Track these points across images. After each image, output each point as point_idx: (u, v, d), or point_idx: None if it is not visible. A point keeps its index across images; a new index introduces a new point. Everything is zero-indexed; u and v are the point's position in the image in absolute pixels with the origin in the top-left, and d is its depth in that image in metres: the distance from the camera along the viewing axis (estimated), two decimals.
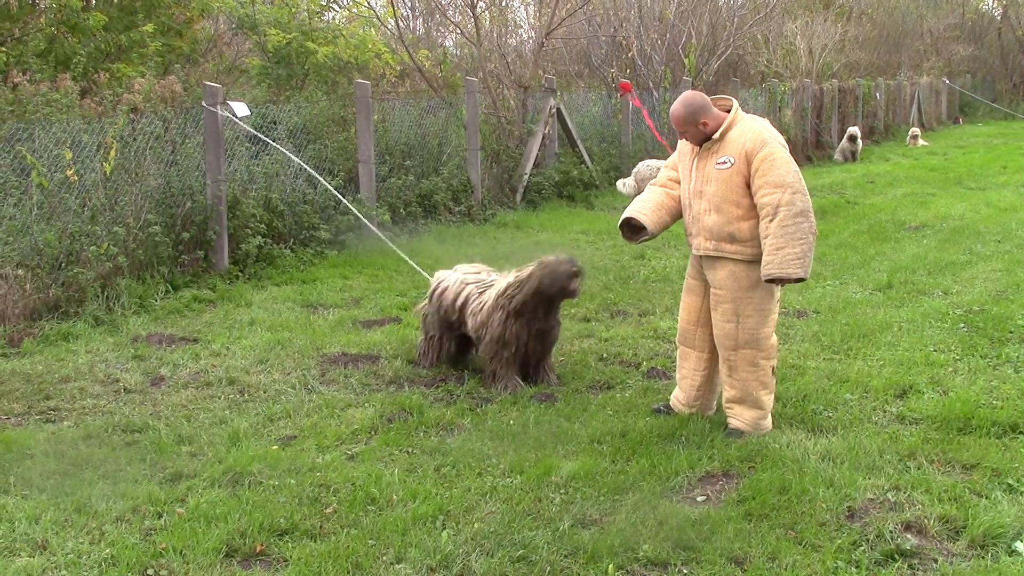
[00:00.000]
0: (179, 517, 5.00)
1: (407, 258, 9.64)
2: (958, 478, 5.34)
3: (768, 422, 6.11)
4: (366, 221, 10.94)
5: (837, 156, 24.15)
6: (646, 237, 6.32)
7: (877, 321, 8.53)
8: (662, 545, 4.65)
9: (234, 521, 4.92)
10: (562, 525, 4.86)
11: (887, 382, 6.88)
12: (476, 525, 4.88)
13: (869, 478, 5.34)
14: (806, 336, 8.20)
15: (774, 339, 6.09)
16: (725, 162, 5.84)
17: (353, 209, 11.00)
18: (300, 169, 12.24)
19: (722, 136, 5.88)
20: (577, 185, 17.03)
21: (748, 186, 5.81)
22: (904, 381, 6.91)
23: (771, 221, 5.68)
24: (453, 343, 7.57)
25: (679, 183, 6.25)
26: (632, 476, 5.42)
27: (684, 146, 6.19)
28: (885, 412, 6.40)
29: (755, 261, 5.85)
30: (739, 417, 6.08)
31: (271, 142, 11.40)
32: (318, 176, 11.28)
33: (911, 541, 4.66)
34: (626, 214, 6.30)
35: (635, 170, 16.10)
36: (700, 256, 6.11)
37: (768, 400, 6.09)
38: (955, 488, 5.17)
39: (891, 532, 4.75)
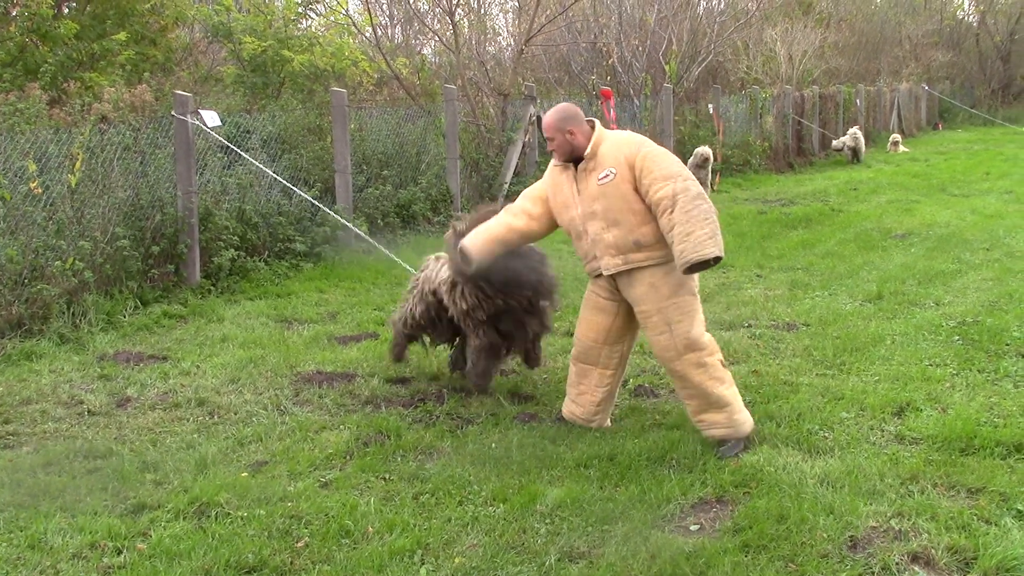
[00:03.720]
0: (140, 553, 4.69)
1: (394, 256, 9.34)
2: (964, 504, 5.07)
3: (743, 417, 5.87)
4: (351, 226, 10.66)
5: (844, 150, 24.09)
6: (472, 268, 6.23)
7: (869, 334, 8.28)
8: None
9: (198, 558, 4.61)
10: (548, 559, 4.57)
11: (883, 399, 6.62)
12: (457, 560, 4.59)
13: (871, 504, 5.06)
14: (797, 351, 7.94)
15: (708, 335, 5.92)
16: (607, 175, 5.77)
17: (334, 215, 10.71)
18: (274, 180, 11.94)
19: (595, 153, 5.83)
20: None
21: (638, 191, 5.72)
22: (901, 398, 6.64)
23: (672, 212, 5.56)
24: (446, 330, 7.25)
25: (534, 216, 6.15)
26: (621, 504, 5.14)
27: (558, 176, 6.08)
28: (883, 431, 6.13)
29: (667, 263, 5.75)
30: (713, 425, 5.85)
31: (244, 154, 11.08)
32: (294, 188, 10.97)
33: (919, 574, 4.38)
34: (464, 242, 6.23)
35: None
36: (612, 276, 5.96)
37: (730, 393, 5.87)
38: (962, 515, 4.89)
39: (897, 564, 4.47)
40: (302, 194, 11.08)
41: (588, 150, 5.84)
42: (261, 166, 10.92)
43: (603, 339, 6.16)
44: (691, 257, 5.50)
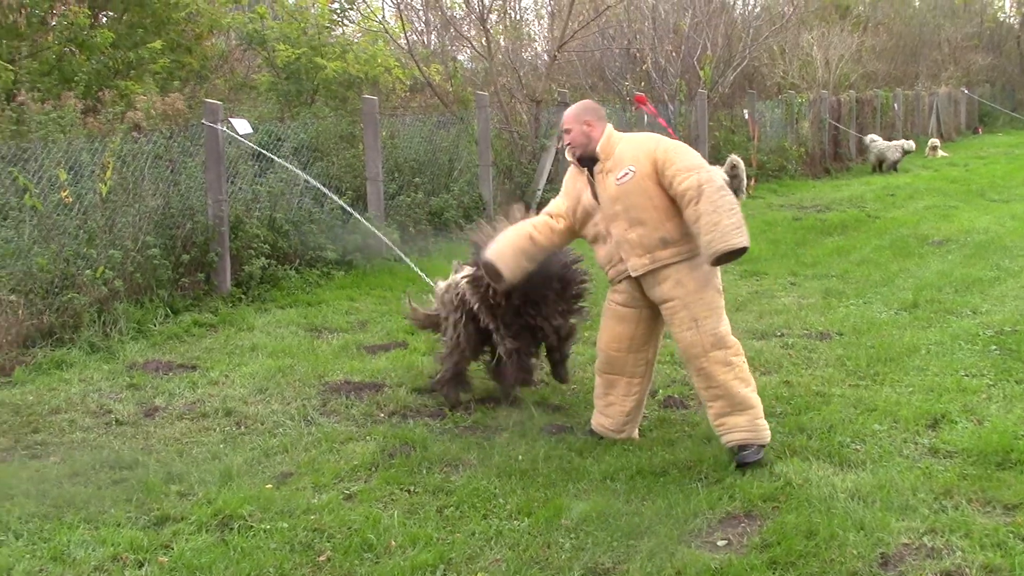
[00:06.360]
0: (161, 567, 4.67)
1: (416, 268, 9.30)
2: (1000, 520, 4.94)
3: (764, 423, 5.78)
4: (379, 233, 10.61)
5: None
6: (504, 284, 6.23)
7: (904, 344, 8.14)
8: None
9: (219, 572, 4.58)
10: (572, 575, 4.50)
11: (917, 411, 6.49)
12: (479, 575, 4.53)
13: (903, 520, 4.95)
14: (830, 360, 7.82)
15: (732, 335, 5.89)
16: (626, 174, 5.77)
17: (363, 220, 10.67)
18: (305, 188, 11.93)
19: (611, 153, 5.85)
20: None
21: (661, 185, 5.71)
22: (935, 410, 6.51)
23: (698, 202, 5.55)
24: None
25: (564, 216, 6.15)
26: (648, 518, 5.06)
27: (575, 181, 6.11)
28: (917, 444, 6.01)
29: (693, 258, 5.75)
30: (735, 428, 5.72)
31: (278, 159, 11.07)
32: (328, 191, 10.94)
33: None
34: (489, 257, 6.16)
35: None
36: (638, 278, 5.89)
37: (755, 397, 5.79)
38: (998, 532, 4.77)
39: None
40: (335, 198, 11.06)
41: (601, 149, 5.86)
42: (297, 170, 10.87)
43: (626, 347, 6.10)
44: (719, 247, 5.47)
